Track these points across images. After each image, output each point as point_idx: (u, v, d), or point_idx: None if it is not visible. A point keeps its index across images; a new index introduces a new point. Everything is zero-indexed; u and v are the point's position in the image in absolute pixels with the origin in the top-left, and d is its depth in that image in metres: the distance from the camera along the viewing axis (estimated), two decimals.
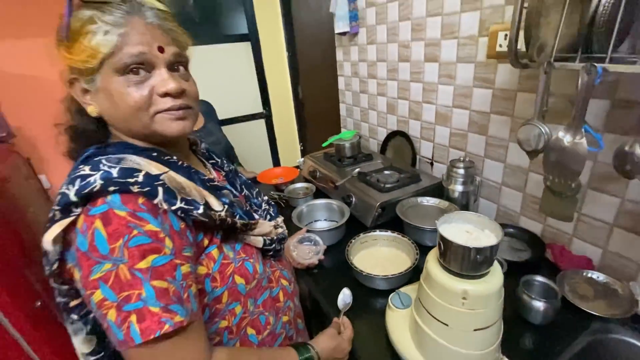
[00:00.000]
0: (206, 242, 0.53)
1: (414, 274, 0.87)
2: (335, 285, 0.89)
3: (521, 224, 1.03)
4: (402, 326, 0.73)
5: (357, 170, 1.32)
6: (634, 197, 0.76)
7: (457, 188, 1.11)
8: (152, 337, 0.40)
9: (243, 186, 0.75)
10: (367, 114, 1.67)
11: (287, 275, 0.73)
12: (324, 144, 1.49)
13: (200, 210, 0.49)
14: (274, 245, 0.66)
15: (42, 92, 2.69)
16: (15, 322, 0.91)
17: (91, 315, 0.51)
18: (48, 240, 0.43)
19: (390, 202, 1.13)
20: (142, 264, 0.42)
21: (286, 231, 0.74)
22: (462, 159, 1.10)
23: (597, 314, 0.73)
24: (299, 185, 1.45)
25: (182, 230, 0.48)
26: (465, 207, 1.12)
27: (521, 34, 0.68)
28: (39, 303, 0.98)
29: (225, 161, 0.76)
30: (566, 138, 0.65)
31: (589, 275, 0.83)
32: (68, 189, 0.44)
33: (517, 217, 1.05)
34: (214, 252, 0.54)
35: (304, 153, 2.79)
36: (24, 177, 1.19)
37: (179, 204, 0.47)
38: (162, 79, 0.49)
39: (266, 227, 0.64)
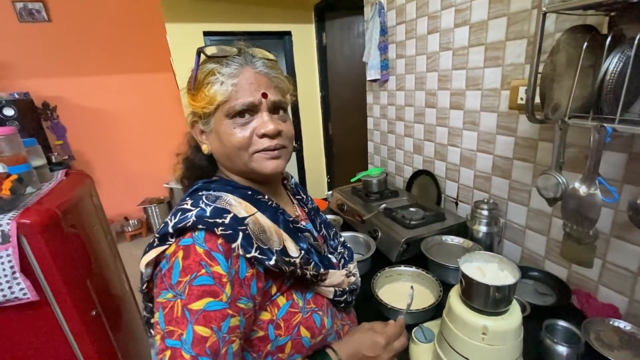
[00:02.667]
0: (274, 289, 0.54)
1: (436, 311, 0.90)
2: (359, 317, 0.93)
3: (546, 268, 1.05)
4: None
5: (383, 205, 1.39)
6: None
7: (481, 229, 1.15)
8: None
9: (322, 225, 0.74)
10: (394, 153, 1.77)
11: None
12: (353, 179, 1.59)
13: (272, 262, 0.50)
14: (345, 296, 0.64)
15: (102, 122, 3.06)
16: (72, 327, 1.03)
17: None
18: (143, 263, 0.50)
19: (415, 239, 1.18)
20: (196, 305, 0.44)
21: (359, 279, 0.72)
22: (486, 200, 1.15)
23: None
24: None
25: (247, 278, 0.49)
26: (489, 247, 1.15)
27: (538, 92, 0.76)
28: (94, 313, 1.10)
29: (309, 198, 0.78)
30: (582, 189, 0.71)
31: (616, 324, 0.83)
32: (170, 219, 0.49)
33: (541, 261, 1.06)
34: (280, 299, 0.54)
35: (330, 186, 2.90)
36: (90, 197, 1.37)
37: (253, 253, 0.49)
38: (262, 122, 0.55)
39: (337, 277, 0.63)
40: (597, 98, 0.66)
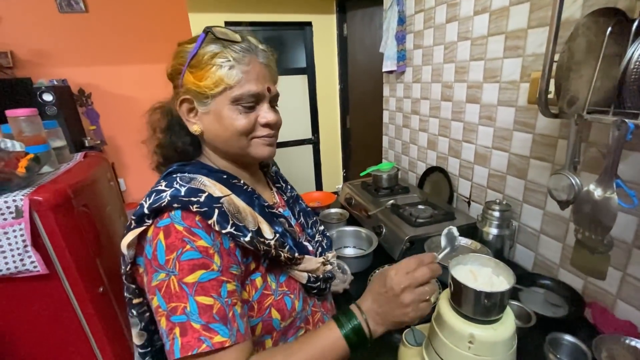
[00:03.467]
0: (253, 266, 0.55)
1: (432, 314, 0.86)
2: None
3: (560, 277, 0.97)
4: None
5: (391, 201, 1.35)
6: None
7: (492, 231, 1.08)
8: (189, 353, 0.42)
9: (301, 214, 0.76)
10: (408, 148, 1.70)
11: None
12: (362, 173, 1.55)
13: (247, 238, 0.51)
14: (318, 283, 0.64)
15: (131, 109, 3.20)
16: (80, 302, 1.09)
17: (146, 315, 0.58)
18: (124, 245, 0.50)
19: (420, 237, 1.13)
20: (190, 278, 0.45)
21: (335, 269, 0.72)
22: (498, 201, 1.07)
23: None
24: (333, 210, 1.52)
25: (232, 248, 0.51)
26: (499, 251, 1.08)
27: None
28: (101, 289, 1.15)
29: (289, 187, 0.79)
30: (597, 192, 0.63)
31: (633, 343, 0.75)
32: (145, 201, 0.50)
33: (555, 269, 0.98)
34: (258, 280, 0.55)
35: (346, 179, 2.86)
36: (107, 180, 1.43)
37: (229, 229, 0.50)
38: (265, 112, 0.57)
39: (312, 263, 0.63)
40: (619, 90, 0.59)
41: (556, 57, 0.67)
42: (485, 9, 1.09)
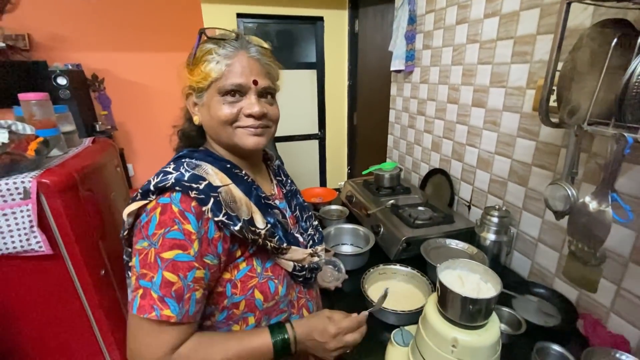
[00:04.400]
0: (239, 253, 0.59)
1: None
2: (349, 310, 0.91)
3: (555, 287, 0.96)
4: None
5: (391, 201, 1.35)
6: None
7: (489, 236, 1.08)
8: (141, 315, 0.49)
9: (297, 207, 0.79)
10: (413, 149, 1.70)
11: (312, 307, 0.75)
12: (364, 172, 1.55)
13: (237, 227, 0.55)
14: (304, 272, 0.68)
15: (142, 96, 3.24)
16: (83, 284, 1.13)
17: None
18: (126, 212, 0.56)
19: (416, 239, 1.13)
20: (166, 255, 0.50)
21: (322, 261, 0.76)
22: (497, 207, 1.07)
23: None
24: (333, 207, 1.52)
25: (215, 239, 0.55)
26: (496, 257, 1.08)
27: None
28: (103, 272, 1.19)
29: (290, 181, 0.83)
30: (592, 204, 0.63)
31: (622, 357, 0.75)
32: (153, 179, 0.55)
33: (551, 279, 0.98)
34: (242, 264, 0.60)
35: (350, 176, 2.87)
36: (114, 166, 1.46)
37: (220, 217, 0.54)
38: (249, 103, 0.60)
39: (299, 254, 0.67)
40: (620, 103, 0.58)
41: (560, 66, 0.66)
42: (495, 12, 1.08)
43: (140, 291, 0.50)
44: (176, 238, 0.51)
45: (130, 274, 0.60)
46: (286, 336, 0.59)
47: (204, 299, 0.56)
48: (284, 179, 0.82)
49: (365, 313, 0.66)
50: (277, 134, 2.16)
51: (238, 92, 0.59)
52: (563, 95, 0.65)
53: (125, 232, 0.58)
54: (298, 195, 0.83)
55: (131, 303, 0.51)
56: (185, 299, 0.51)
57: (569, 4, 0.60)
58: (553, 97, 0.70)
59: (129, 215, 0.56)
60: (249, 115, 0.60)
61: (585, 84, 0.63)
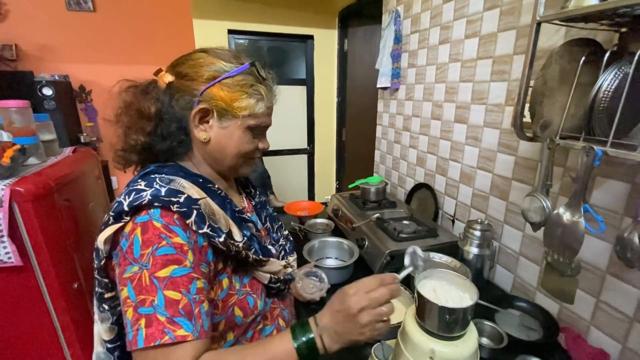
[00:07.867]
0: (220, 266, 0.58)
1: None
2: None
3: (537, 300, 0.97)
4: None
5: (377, 215, 1.35)
6: None
7: (472, 250, 1.08)
8: (152, 344, 0.44)
9: (267, 218, 0.79)
10: (399, 163, 1.72)
11: (287, 315, 0.74)
12: (350, 185, 1.56)
13: (222, 239, 0.54)
14: (278, 284, 0.68)
15: None
16: (53, 296, 1.07)
17: (118, 309, 0.58)
18: (101, 240, 0.51)
19: (400, 252, 1.12)
20: (162, 273, 0.47)
21: (295, 272, 0.77)
22: (479, 220, 1.08)
23: None
24: (319, 220, 1.51)
25: (204, 247, 0.54)
26: (479, 271, 1.08)
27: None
28: (76, 285, 1.14)
29: (258, 192, 0.83)
30: (566, 215, 0.64)
31: None
32: (124, 199, 0.51)
33: (533, 292, 0.98)
34: (225, 281, 0.58)
35: (338, 191, 2.87)
36: (95, 177, 1.43)
37: (205, 229, 0.53)
38: (264, 141, 0.67)
39: (276, 266, 0.67)
40: (589, 117, 0.60)
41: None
42: (475, 33, 1.13)
43: (143, 320, 0.45)
44: (168, 253, 0.48)
45: (105, 307, 0.57)
46: (310, 337, 0.51)
47: (211, 311, 0.53)
48: (252, 190, 0.82)
49: (392, 274, 0.57)
50: None
51: (264, 131, 0.66)
52: (536, 110, 0.67)
53: (102, 262, 0.53)
54: (267, 207, 0.83)
55: (134, 339, 0.45)
56: (196, 315, 0.48)
57: (539, 24, 0.63)
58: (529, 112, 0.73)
59: (105, 242, 0.51)
60: (261, 150, 0.67)
61: (557, 100, 0.65)
